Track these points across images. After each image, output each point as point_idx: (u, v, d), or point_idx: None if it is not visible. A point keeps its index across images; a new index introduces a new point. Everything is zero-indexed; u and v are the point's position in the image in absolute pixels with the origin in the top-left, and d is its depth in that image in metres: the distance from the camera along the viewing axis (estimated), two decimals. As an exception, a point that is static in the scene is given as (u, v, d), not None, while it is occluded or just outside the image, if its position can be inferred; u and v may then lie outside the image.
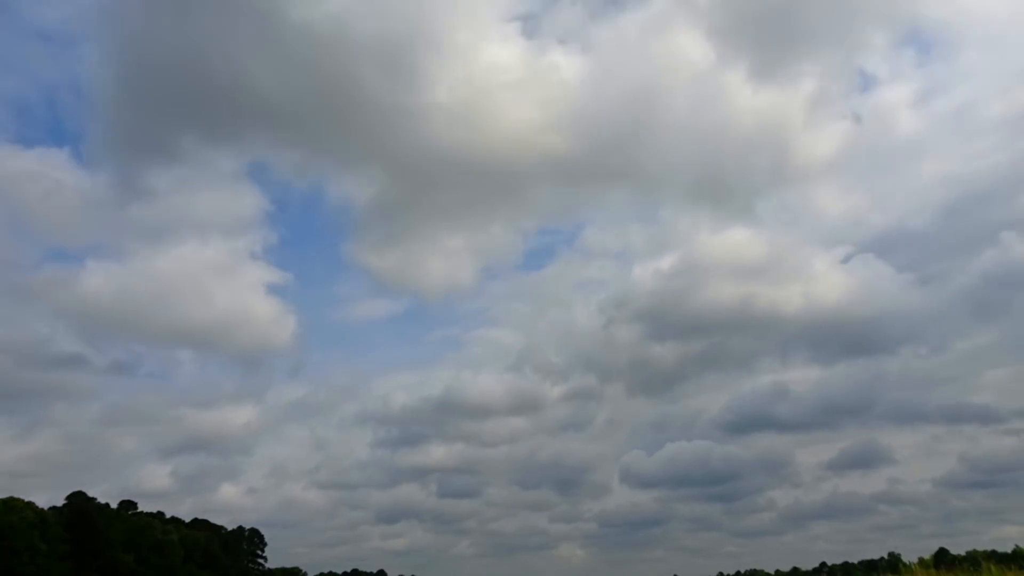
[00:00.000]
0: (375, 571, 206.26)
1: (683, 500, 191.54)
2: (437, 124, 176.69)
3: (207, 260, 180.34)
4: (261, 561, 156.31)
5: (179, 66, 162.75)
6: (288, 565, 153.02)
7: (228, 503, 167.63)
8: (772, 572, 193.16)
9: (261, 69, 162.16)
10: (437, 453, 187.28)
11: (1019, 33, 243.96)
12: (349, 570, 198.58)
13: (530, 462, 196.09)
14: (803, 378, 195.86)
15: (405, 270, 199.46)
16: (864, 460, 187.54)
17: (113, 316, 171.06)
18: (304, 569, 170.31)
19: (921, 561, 31.36)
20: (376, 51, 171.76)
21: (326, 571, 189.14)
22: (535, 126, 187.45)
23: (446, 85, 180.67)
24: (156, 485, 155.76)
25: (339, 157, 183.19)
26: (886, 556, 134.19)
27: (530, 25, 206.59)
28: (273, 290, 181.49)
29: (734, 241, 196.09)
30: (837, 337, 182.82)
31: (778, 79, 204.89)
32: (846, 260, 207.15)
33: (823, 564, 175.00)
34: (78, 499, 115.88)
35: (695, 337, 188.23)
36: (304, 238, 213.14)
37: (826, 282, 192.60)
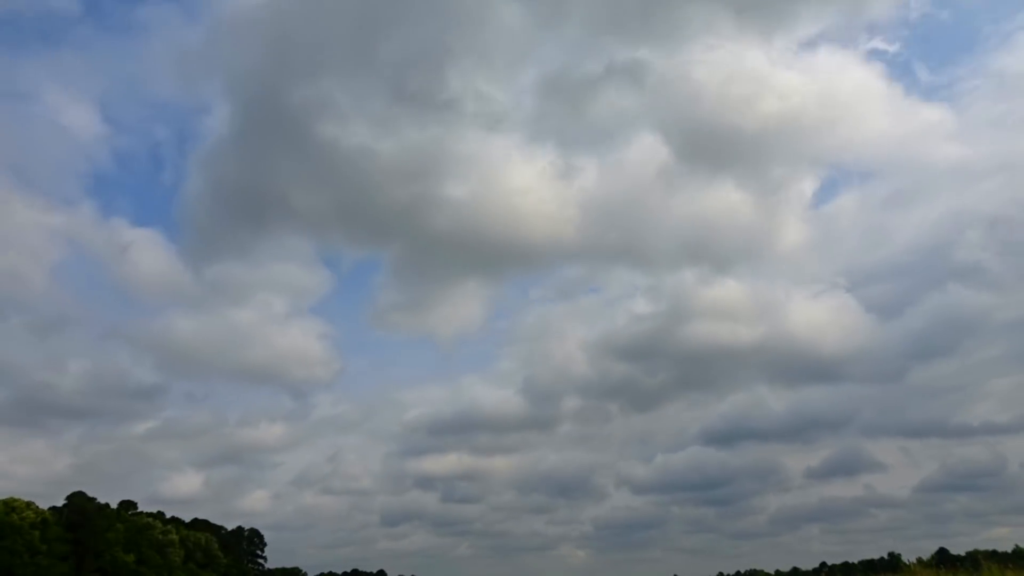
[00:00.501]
0: (375, 571, 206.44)
1: (678, 504, 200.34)
2: (454, 212, 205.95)
3: (270, 314, 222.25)
4: (261, 561, 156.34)
5: (252, 175, 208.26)
6: (310, 564, 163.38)
7: (252, 507, 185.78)
8: (772, 572, 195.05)
9: (305, 178, 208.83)
10: (447, 462, 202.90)
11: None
12: (350, 570, 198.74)
13: (532, 471, 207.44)
14: (778, 397, 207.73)
15: (427, 319, 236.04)
16: (846, 468, 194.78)
17: (189, 356, 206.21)
18: (304, 570, 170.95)
19: (921, 561, 31.28)
20: (399, 168, 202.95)
21: (326, 571, 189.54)
22: (550, 219, 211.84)
23: (465, 189, 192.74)
24: (187, 491, 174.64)
25: (371, 239, 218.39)
26: (886, 556, 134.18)
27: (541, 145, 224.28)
28: (321, 337, 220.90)
29: (714, 291, 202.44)
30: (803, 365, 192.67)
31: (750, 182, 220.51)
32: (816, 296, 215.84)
33: (823, 564, 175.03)
34: (78, 499, 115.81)
35: (678, 366, 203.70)
36: (346, 299, 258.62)
37: (796, 317, 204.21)
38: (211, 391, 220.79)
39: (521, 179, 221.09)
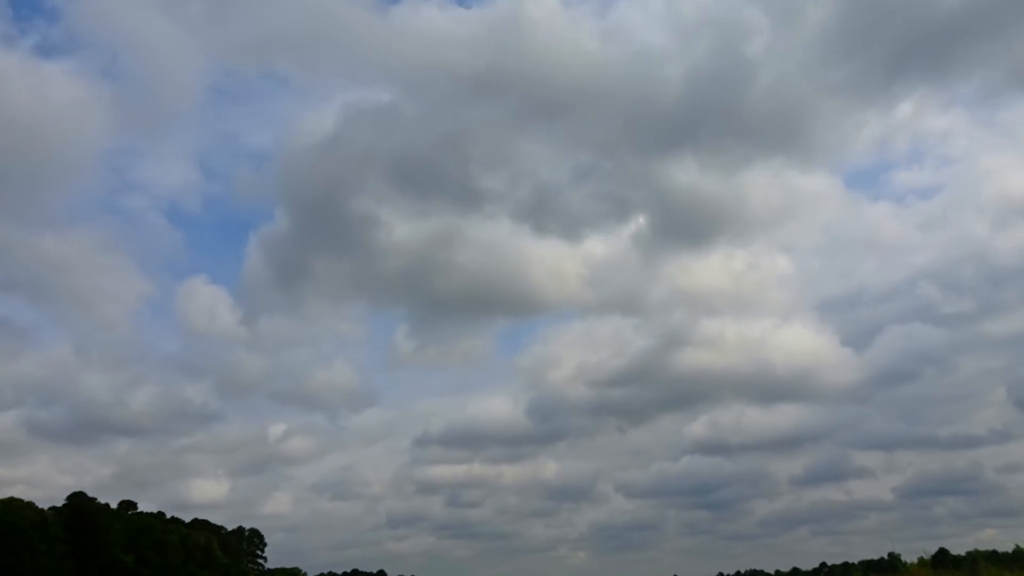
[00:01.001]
0: (375, 571, 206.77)
1: (674, 508, 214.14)
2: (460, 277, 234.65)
3: (318, 357, 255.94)
4: (261, 561, 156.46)
5: (300, 252, 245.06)
6: (326, 563, 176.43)
7: (273, 511, 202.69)
8: (772, 572, 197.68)
9: (342, 252, 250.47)
10: (458, 471, 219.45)
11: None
12: (350, 570, 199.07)
13: (534, 479, 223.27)
14: (756, 414, 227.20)
15: (444, 355, 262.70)
16: (830, 475, 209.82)
17: (243, 384, 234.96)
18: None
19: (921, 561, 31.26)
20: (418, 244, 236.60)
21: (326, 572, 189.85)
22: (551, 284, 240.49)
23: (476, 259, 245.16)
24: (215, 496, 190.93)
25: (393, 297, 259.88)
26: (886, 556, 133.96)
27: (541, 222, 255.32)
28: (354, 371, 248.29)
29: (701, 327, 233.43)
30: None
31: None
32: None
33: (823, 564, 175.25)
34: (78, 499, 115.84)
35: (663, 388, 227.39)
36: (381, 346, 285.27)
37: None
38: (256, 413, 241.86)
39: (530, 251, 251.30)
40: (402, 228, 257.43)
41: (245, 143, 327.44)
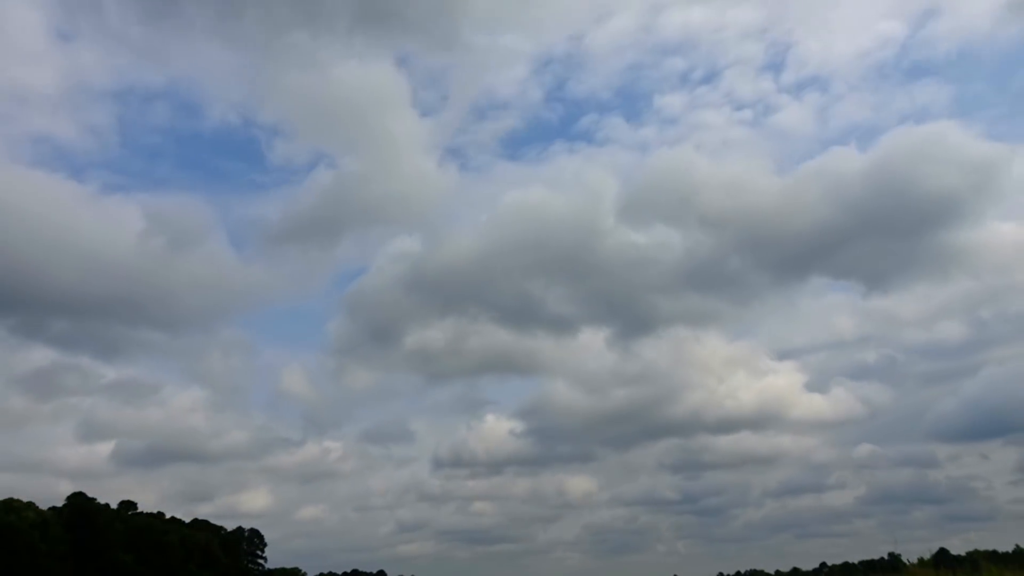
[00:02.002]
0: (375, 572, 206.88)
1: (665, 514, 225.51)
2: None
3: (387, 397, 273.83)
4: (261, 562, 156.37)
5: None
6: (345, 563, 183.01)
7: (307, 518, 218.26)
8: (772, 572, 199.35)
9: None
10: (470, 483, 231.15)
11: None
12: (350, 570, 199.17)
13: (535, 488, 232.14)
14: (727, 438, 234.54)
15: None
16: (800, 488, 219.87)
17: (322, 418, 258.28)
18: (304, 570, 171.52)
19: (921, 561, 31.20)
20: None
21: (326, 572, 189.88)
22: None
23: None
24: (256, 506, 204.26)
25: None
26: (886, 556, 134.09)
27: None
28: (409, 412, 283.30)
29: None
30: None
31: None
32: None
33: (823, 564, 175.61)
34: (78, 499, 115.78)
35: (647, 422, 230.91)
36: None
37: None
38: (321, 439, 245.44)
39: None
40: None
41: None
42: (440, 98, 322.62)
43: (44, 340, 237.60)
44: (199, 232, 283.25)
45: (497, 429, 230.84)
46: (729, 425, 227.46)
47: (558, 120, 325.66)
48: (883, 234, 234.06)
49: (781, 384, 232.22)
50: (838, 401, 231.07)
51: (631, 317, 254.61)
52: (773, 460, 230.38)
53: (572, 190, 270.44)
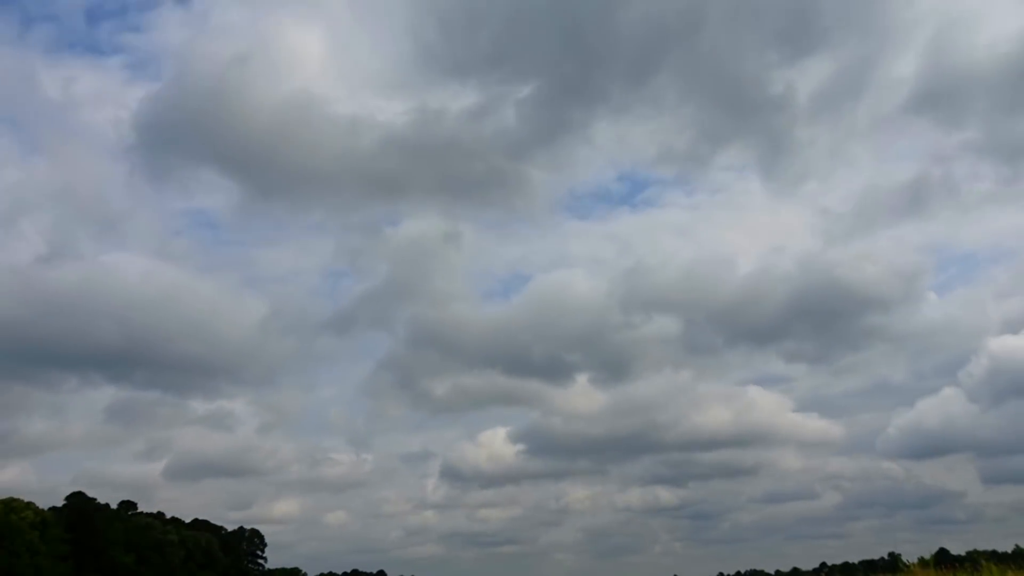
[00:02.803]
0: (375, 572, 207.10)
1: (658, 519, 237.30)
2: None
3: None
4: (261, 562, 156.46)
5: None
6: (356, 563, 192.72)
7: (333, 522, 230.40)
8: (772, 572, 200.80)
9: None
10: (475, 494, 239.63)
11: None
12: (350, 570, 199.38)
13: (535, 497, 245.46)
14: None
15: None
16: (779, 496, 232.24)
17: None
18: (304, 570, 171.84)
19: (921, 561, 31.29)
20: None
21: (326, 572, 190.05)
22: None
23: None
24: (286, 512, 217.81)
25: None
26: (886, 556, 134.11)
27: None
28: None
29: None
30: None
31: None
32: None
33: (823, 564, 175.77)
34: (78, 499, 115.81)
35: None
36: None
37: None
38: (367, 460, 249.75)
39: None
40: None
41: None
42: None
43: (160, 387, 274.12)
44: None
45: (503, 447, 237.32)
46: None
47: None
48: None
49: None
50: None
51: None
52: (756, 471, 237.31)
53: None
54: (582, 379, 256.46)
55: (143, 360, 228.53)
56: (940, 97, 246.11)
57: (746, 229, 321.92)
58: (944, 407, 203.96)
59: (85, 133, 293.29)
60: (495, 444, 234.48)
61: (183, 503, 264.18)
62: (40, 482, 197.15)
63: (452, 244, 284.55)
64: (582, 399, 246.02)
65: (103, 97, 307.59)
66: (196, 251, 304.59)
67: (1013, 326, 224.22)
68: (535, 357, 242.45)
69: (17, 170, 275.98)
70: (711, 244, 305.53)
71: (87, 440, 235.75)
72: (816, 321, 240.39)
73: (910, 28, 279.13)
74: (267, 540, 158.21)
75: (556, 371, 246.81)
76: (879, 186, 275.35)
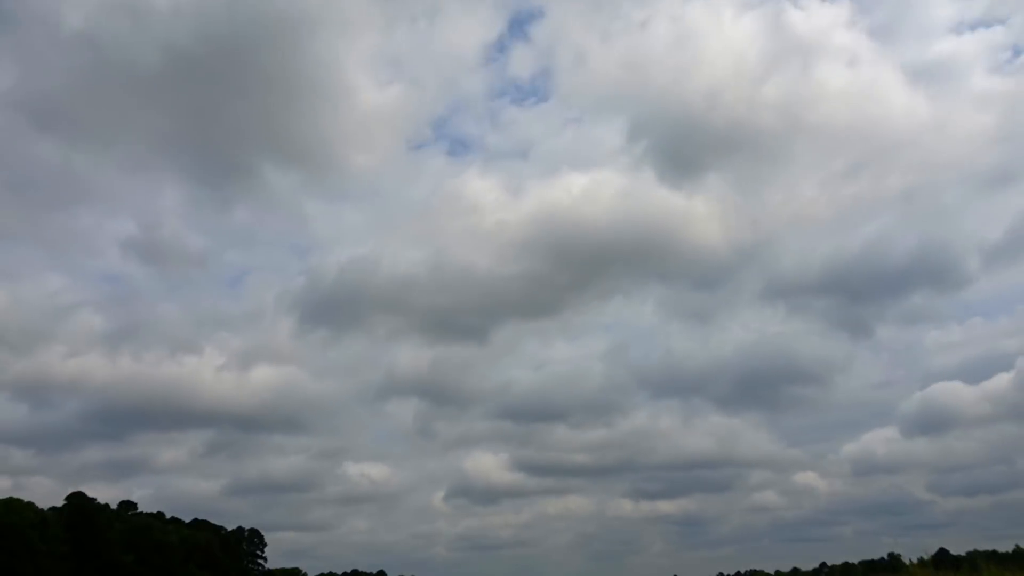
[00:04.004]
0: (375, 572, 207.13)
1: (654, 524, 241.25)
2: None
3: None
4: (261, 562, 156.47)
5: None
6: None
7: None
8: (772, 572, 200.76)
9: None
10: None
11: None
12: (350, 570, 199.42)
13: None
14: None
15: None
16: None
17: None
18: (304, 570, 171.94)
19: (921, 561, 31.22)
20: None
21: (327, 572, 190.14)
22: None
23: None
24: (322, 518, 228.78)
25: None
26: (886, 556, 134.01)
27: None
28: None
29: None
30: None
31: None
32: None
33: (823, 564, 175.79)
34: (78, 499, 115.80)
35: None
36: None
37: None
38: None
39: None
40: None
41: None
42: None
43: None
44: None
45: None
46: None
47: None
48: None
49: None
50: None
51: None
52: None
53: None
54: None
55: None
56: None
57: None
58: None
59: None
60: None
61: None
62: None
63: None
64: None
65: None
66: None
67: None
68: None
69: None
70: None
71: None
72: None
73: None
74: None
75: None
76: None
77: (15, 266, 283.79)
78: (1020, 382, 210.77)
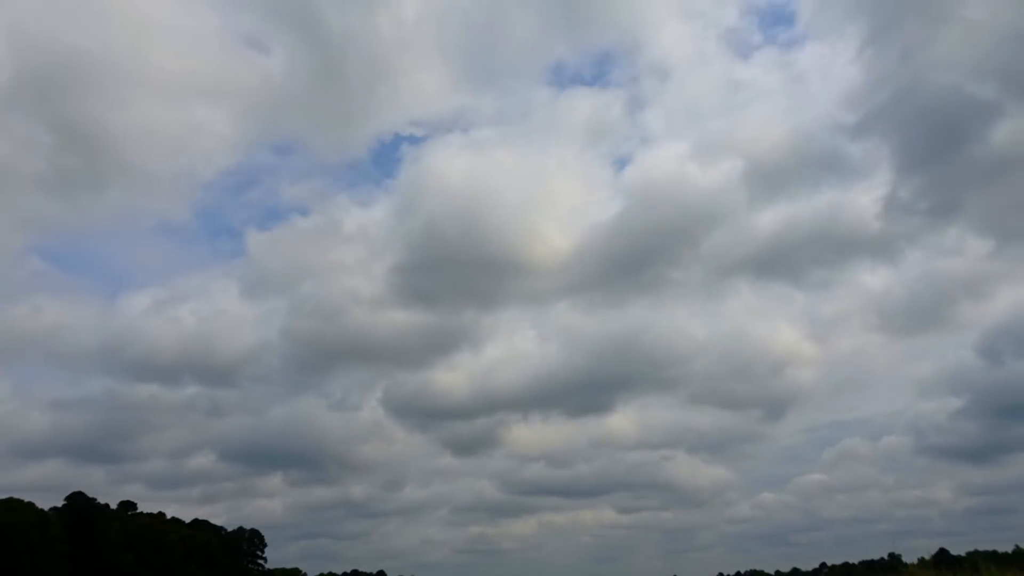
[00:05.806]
0: (375, 572, 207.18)
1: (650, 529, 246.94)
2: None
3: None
4: (261, 562, 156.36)
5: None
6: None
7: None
8: (772, 572, 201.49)
9: None
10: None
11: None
12: (349, 571, 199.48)
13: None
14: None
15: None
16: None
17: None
18: (304, 570, 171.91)
19: (921, 561, 31.33)
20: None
21: (326, 572, 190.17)
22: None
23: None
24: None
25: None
26: (886, 556, 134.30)
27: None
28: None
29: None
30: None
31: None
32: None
33: (823, 564, 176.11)
34: (78, 499, 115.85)
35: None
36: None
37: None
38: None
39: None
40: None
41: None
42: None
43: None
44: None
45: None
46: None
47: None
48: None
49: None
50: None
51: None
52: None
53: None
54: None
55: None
56: None
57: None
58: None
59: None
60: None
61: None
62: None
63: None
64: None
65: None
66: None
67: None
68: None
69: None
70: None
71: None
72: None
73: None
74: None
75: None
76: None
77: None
78: None
